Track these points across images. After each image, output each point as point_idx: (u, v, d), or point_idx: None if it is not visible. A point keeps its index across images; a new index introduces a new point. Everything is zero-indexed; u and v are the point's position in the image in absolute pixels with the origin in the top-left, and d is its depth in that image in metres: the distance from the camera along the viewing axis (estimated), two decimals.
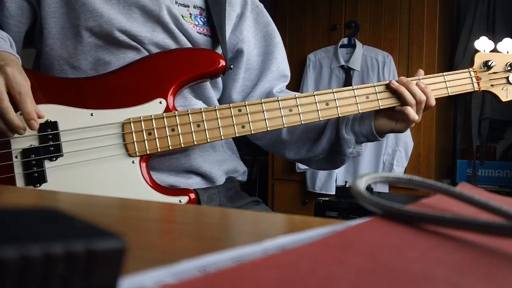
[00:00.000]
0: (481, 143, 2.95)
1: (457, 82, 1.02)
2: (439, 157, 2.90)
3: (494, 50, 1.07)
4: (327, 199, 2.23)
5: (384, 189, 2.64)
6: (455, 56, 2.96)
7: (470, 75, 1.04)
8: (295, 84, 2.99)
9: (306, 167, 2.92)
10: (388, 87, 0.97)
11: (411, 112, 0.95)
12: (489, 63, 1.04)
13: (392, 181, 0.41)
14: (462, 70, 1.04)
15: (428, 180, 0.39)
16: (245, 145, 3.31)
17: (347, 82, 2.85)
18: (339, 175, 2.89)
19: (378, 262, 0.24)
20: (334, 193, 2.69)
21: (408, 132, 2.74)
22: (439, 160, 2.89)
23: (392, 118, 0.99)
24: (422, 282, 0.22)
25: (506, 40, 1.08)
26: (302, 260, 0.24)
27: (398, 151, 2.76)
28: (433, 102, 0.97)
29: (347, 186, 2.31)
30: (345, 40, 2.91)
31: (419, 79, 0.98)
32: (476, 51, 1.06)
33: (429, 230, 0.31)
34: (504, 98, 1.06)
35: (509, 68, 1.06)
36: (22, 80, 0.79)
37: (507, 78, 1.06)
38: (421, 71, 1.01)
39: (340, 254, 0.25)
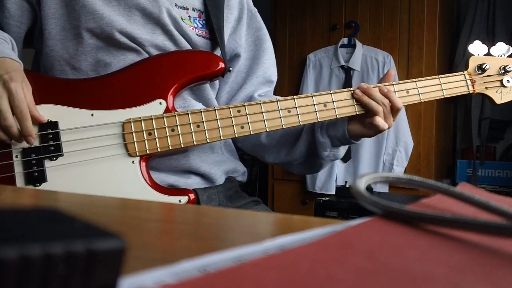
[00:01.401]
0: (481, 143, 2.95)
1: (452, 84, 1.04)
2: (439, 157, 2.90)
3: (488, 54, 1.09)
4: (327, 199, 2.23)
5: (384, 189, 2.64)
6: (455, 57, 2.96)
7: (465, 78, 1.06)
8: (295, 84, 2.99)
9: None
10: (352, 96, 0.97)
11: (380, 121, 0.95)
12: (483, 67, 1.06)
13: (392, 181, 0.41)
14: (457, 73, 1.06)
15: (428, 180, 0.39)
16: None
17: (347, 82, 2.86)
18: (339, 175, 2.89)
19: (378, 262, 0.24)
20: (334, 193, 2.69)
21: (408, 132, 2.74)
22: (439, 160, 2.89)
23: (363, 124, 0.99)
24: (422, 282, 0.22)
25: (500, 44, 1.10)
26: (302, 260, 0.24)
27: (398, 151, 2.76)
28: (399, 105, 0.96)
29: (347, 186, 2.31)
30: (345, 40, 2.91)
31: (392, 84, 0.98)
32: (471, 55, 1.08)
33: (429, 230, 0.31)
34: (498, 101, 1.08)
35: (502, 71, 1.08)
36: (23, 96, 0.82)
37: (500, 81, 1.08)
38: (391, 71, 1.01)
39: (340, 254, 0.25)
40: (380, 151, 2.80)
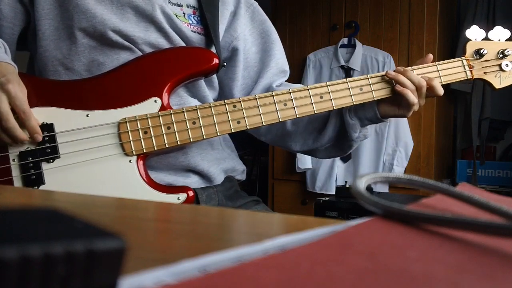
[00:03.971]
0: (481, 143, 2.95)
1: (450, 70, 1.03)
2: (439, 157, 2.90)
3: (486, 39, 1.07)
4: (327, 199, 2.23)
5: (384, 189, 2.64)
6: (455, 57, 2.95)
7: (463, 63, 1.05)
8: (295, 83, 2.99)
9: (306, 167, 2.92)
10: (384, 78, 0.98)
11: (410, 95, 0.96)
12: (481, 51, 1.05)
13: (392, 181, 0.41)
14: (454, 59, 1.05)
15: (428, 180, 0.39)
16: (245, 145, 3.31)
17: None
18: (339, 175, 2.89)
19: (378, 262, 0.24)
20: (334, 193, 2.69)
21: (408, 132, 2.74)
22: (439, 160, 2.89)
23: (394, 104, 1.00)
24: (422, 282, 0.22)
25: (497, 28, 1.08)
26: (302, 260, 0.24)
27: (398, 151, 2.76)
28: (440, 90, 0.98)
29: (347, 186, 2.31)
30: (345, 40, 2.91)
31: (412, 69, 0.99)
32: (468, 40, 1.07)
33: (429, 230, 0.31)
34: (497, 85, 1.07)
35: (501, 55, 1.06)
36: (24, 97, 0.83)
37: (499, 65, 1.07)
38: (430, 55, 1.02)
39: (340, 254, 0.25)
40: (380, 151, 2.79)
